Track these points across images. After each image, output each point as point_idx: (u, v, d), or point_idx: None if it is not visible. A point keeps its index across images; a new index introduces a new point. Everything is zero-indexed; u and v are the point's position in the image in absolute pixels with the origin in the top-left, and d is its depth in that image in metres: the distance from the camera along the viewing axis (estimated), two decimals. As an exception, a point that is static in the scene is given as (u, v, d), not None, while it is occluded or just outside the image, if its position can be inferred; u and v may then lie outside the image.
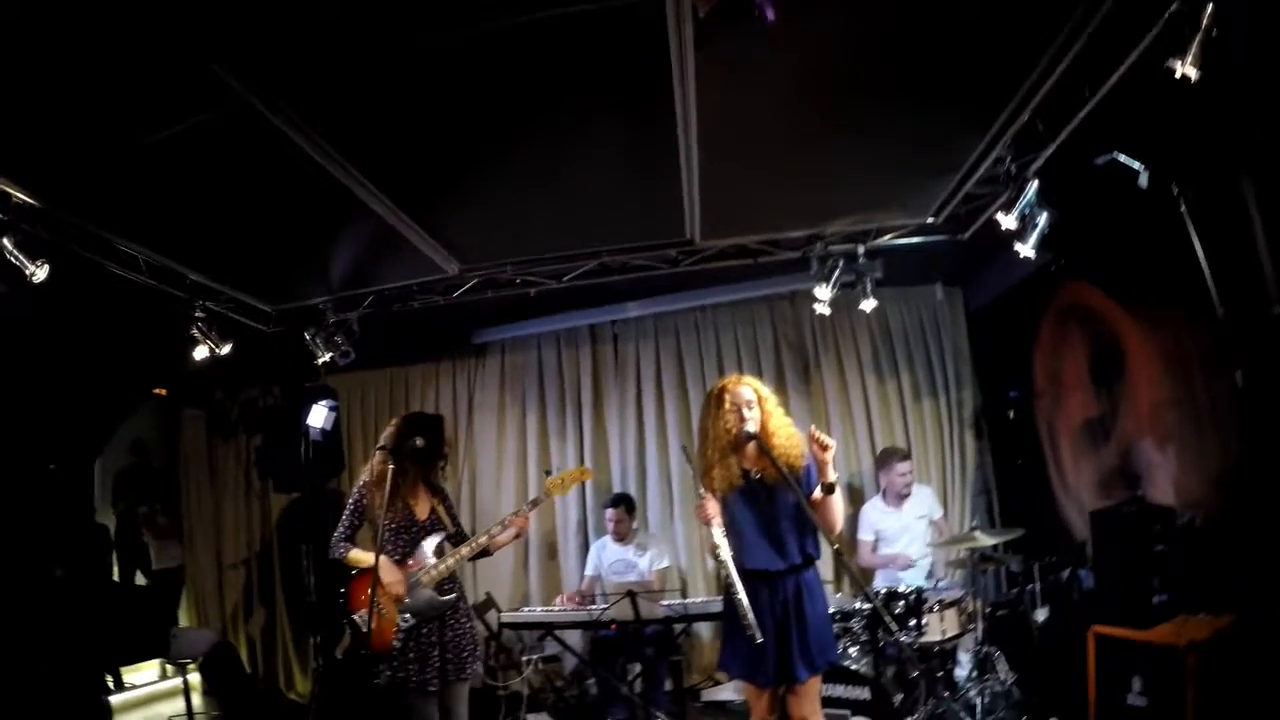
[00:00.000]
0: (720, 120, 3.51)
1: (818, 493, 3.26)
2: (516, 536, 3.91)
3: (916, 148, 4.07)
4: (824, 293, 5.12)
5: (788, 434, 3.38)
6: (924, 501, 5.50)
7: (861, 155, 4.09)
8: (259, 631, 6.73)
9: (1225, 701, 3.43)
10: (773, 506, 3.31)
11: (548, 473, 4.25)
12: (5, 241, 3.63)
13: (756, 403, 3.37)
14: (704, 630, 6.07)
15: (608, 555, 5.71)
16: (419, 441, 3.70)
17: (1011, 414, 5.94)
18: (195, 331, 4.86)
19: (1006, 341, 6.15)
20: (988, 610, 4.98)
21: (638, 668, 5.69)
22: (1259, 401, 3.63)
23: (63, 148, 3.37)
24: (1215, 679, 3.44)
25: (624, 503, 5.72)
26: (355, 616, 3.66)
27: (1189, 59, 2.72)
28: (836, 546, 3.38)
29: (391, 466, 3.62)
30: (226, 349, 5.02)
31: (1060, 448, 5.76)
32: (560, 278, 5.33)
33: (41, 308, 4.67)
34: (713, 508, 3.23)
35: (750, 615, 3.08)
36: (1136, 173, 3.72)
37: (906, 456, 5.54)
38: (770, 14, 2.58)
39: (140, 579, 7.01)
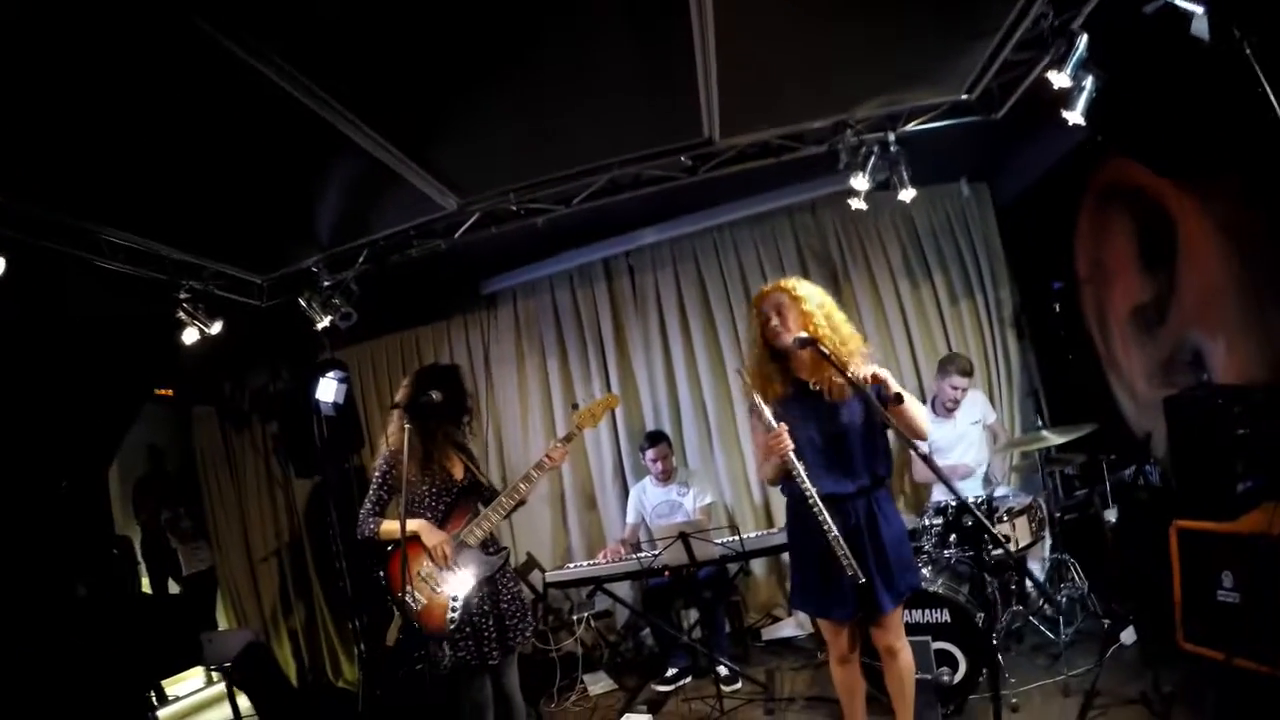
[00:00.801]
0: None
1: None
2: (552, 467, 3.56)
3: (946, 13, 3.67)
4: (860, 182, 4.69)
5: (841, 335, 2.99)
6: (977, 407, 5.20)
7: (888, 27, 3.68)
8: (300, 624, 6.51)
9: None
10: (835, 421, 2.98)
11: (575, 406, 3.90)
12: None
13: (790, 305, 3.00)
14: (758, 566, 5.82)
15: (650, 498, 5.44)
16: (435, 395, 3.37)
17: (1057, 307, 5.60)
18: (181, 313, 4.49)
19: (1042, 233, 5.83)
20: (1057, 515, 4.74)
21: (693, 614, 5.53)
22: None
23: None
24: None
25: (663, 440, 5.41)
26: (405, 596, 3.34)
27: None
28: (926, 454, 3.07)
29: (408, 426, 3.28)
30: (216, 328, 4.64)
31: (1111, 337, 5.47)
32: (568, 201, 4.86)
33: (23, 319, 4.38)
34: (787, 439, 2.88)
35: (848, 554, 2.81)
36: (1192, 18, 3.33)
37: (968, 372, 5.09)
38: None
39: (173, 587, 6.86)
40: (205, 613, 6.70)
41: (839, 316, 3.03)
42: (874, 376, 2.83)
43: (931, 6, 3.60)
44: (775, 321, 3.00)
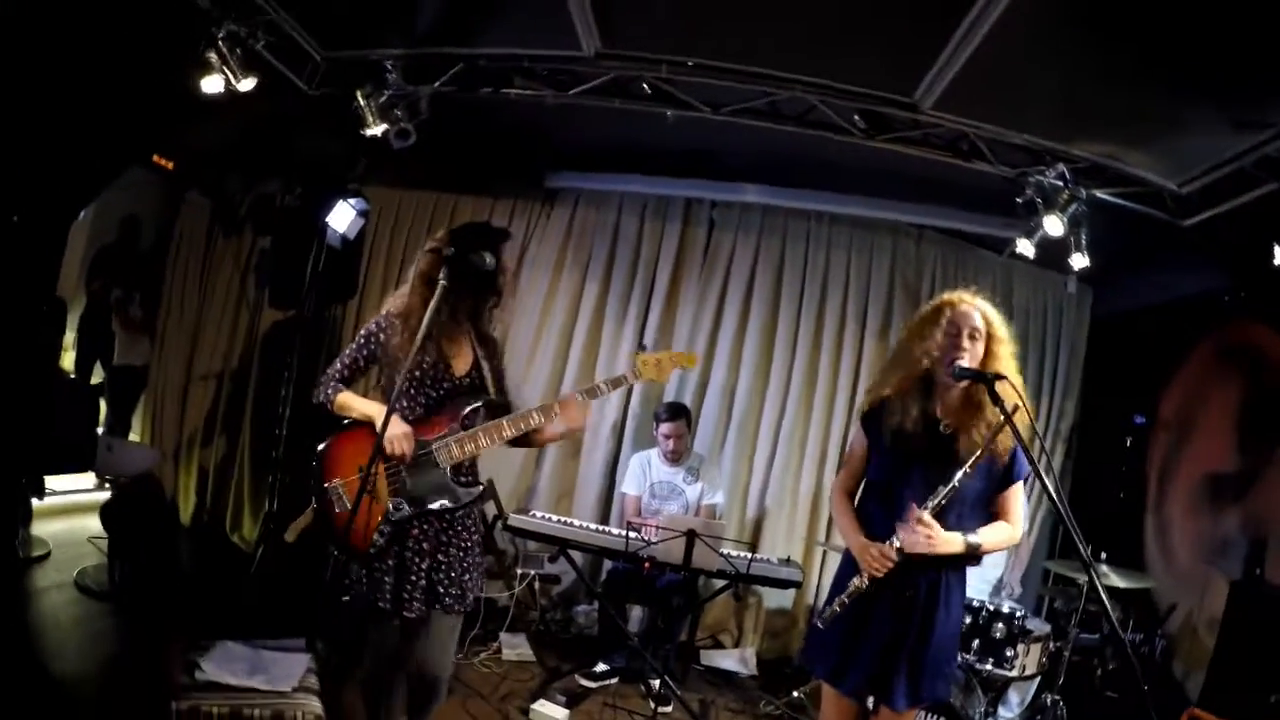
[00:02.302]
0: None
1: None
2: (568, 434, 2.95)
3: (1214, 97, 3.24)
4: (1054, 225, 4.16)
5: (1014, 397, 2.45)
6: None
7: (1151, 84, 3.26)
8: (215, 462, 5.83)
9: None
10: (950, 478, 2.46)
11: (642, 347, 3.12)
12: None
13: (984, 336, 2.52)
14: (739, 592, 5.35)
15: (654, 473, 4.85)
16: (488, 260, 2.62)
17: (1129, 440, 5.22)
18: (212, 54, 3.63)
19: (1134, 360, 5.47)
20: (1065, 653, 4.35)
21: (636, 612, 5.03)
22: None
23: None
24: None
25: (684, 415, 4.80)
26: (329, 486, 2.62)
27: None
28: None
29: (444, 283, 2.52)
30: (247, 84, 3.77)
31: (1170, 493, 5.11)
32: (717, 107, 4.16)
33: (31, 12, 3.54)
34: (888, 565, 2.44)
35: (843, 598, 2.48)
36: None
37: None
38: None
39: (99, 373, 6.15)
40: (121, 412, 6.00)
41: (1019, 380, 2.52)
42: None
43: (1212, 86, 3.17)
44: (968, 342, 2.49)
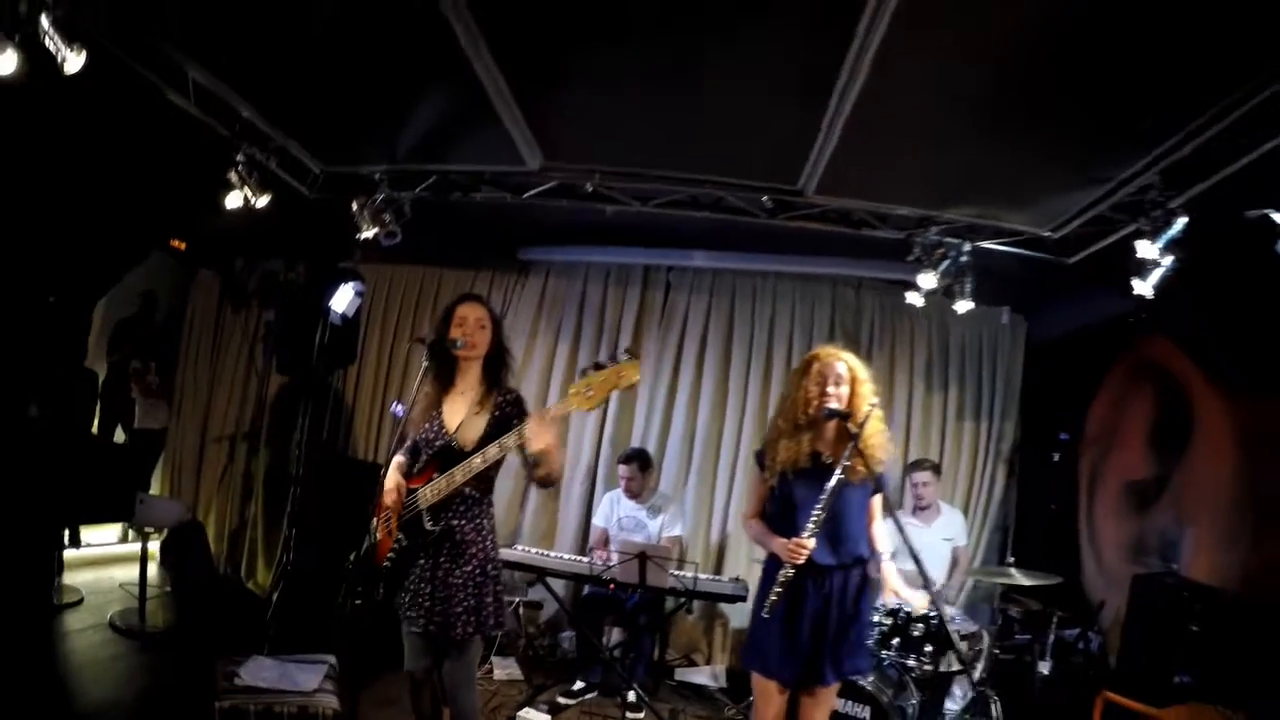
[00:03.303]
0: (892, 72, 3.18)
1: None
2: (545, 457, 3.06)
3: (1066, 157, 3.82)
4: (929, 280, 4.79)
5: (876, 428, 3.08)
6: (954, 524, 5.23)
7: (1010, 152, 3.83)
8: (230, 516, 6.43)
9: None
10: (837, 498, 3.01)
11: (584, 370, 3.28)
12: (42, 18, 3.03)
13: (848, 381, 3.09)
14: (694, 609, 5.83)
15: (620, 509, 5.42)
16: (459, 342, 3.14)
17: (1056, 456, 5.70)
18: (234, 175, 4.36)
19: (1062, 382, 5.95)
20: (995, 651, 4.79)
21: (615, 633, 5.51)
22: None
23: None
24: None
25: (638, 459, 5.38)
26: (371, 523, 3.19)
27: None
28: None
29: (425, 364, 3.18)
30: (264, 200, 4.51)
31: (1096, 501, 5.57)
32: (646, 200, 4.86)
33: (67, 114, 4.13)
34: (805, 554, 2.93)
35: (777, 589, 2.94)
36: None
37: (932, 470, 5.20)
38: None
39: (120, 436, 6.75)
40: (143, 472, 6.59)
41: (879, 414, 3.09)
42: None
43: (1058, 147, 3.74)
44: (833, 388, 3.05)
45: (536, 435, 2.95)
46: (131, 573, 5.36)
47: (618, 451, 5.81)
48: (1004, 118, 3.56)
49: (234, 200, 4.47)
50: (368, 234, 4.95)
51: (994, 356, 6.15)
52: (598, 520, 5.50)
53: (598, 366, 3.02)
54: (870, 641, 4.26)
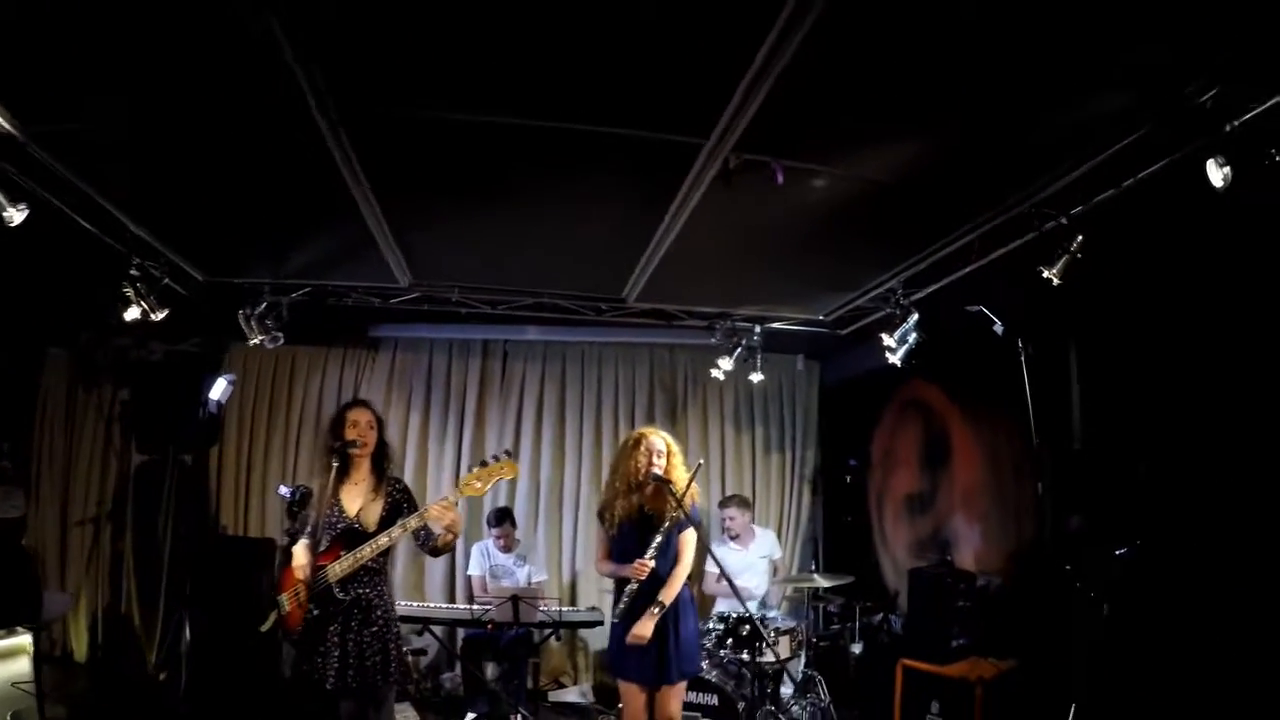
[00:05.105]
0: (704, 222, 4.11)
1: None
2: (446, 535, 3.78)
3: (830, 274, 5.15)
4: (726, 364, 6.02)
5: (691, 487, 4.02)
6: (767, 543, 6.24)
7: (789, 272, 5.11)
8: (103, 602, 6.36)
9: (1004, 725, 4.46)
10: (655, 539, 3.88)
11: (482, 463, 3.83)
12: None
13: (666, 454, 4.01)
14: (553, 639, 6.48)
15: (492, 557, 6.02)
16: (356, 443, 3.75)
17: (848, 478, 6.93)
18: (131, 291, 4.51)
19: (852, 416, 7.20)
20: (813, 640, 5.82)
21: (489, 667, 6.12)
22: (1049, 506, 4.87)
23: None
24: (997, 707, 4.49)
25: (509, 518, 6.04)
26: (280, 598, 3.70)
27: (1056, 269, 3.68)
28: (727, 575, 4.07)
29: (335, 465, 3.68)
30: (163, 315, 4.68)
31: (884, 512, 6.78)
32: (496, 306, 5.78)
33: None
34: (648, 570, 3.83)
35: (625, 599, 3.84)
36: (995, 324, 4.76)
37: (739, 504, 6.20)
38: (780, 178, 3.39)
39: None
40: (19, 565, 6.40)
41: (683, 471, 4.06)
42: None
43: (824, 269, 5.03)
44: (657, 459, 3.97)
45: (442, 516, 3.68)
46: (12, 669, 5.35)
47: (475, 509, 6.42)
48: (781, 251, 4.70)
49: (132, 314, 4.59)
50: (254, 340, 5.40)
51: (793, 397, 7.29)
52: (472, 570, 6.08)
53: (483, 464, 3.81)
54: (709, 644, 5.17)
